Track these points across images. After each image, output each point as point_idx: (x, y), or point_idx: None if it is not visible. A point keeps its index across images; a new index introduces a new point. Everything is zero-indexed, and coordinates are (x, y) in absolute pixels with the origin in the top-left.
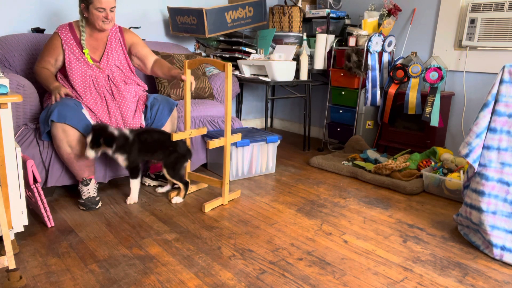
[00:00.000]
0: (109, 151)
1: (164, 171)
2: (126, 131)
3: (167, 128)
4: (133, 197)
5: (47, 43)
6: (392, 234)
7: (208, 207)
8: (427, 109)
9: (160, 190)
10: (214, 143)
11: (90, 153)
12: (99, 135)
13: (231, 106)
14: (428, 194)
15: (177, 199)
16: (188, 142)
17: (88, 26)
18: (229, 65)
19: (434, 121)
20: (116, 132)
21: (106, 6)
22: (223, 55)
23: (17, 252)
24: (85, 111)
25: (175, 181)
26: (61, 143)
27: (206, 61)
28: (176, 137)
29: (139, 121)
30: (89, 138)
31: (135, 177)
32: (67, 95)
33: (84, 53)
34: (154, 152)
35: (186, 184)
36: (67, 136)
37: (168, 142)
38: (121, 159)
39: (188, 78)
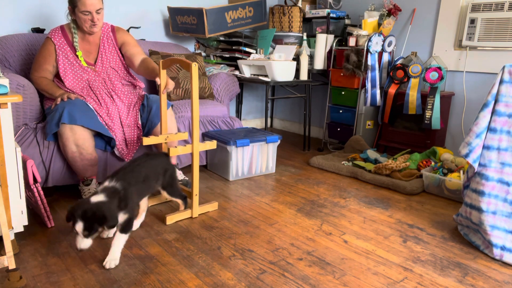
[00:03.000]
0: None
1: (164, 194)
2: (111, 183)
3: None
4: (115, 256)
5: (41, 50)
6: (392, 234)
7: (170, 219)
8: (427, 113)
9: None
10: (176, 151)
11: (86, 243)
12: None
13: (197, 110)
14: (428, 194)
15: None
16: (165, 148)
17: (79, 29)
18: (194, 65)
19: (436, 125)
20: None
21: (91, 9)
22: (223, 55)
23: (17, 252)
24: (92, 108)
25: (174, 199)
26: (67, 141)
27: (177, 61)
28: (147, 141)
29: (137, 122)
30: (79, 226)
31: (125, 231)
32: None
33: (77, 56)
34: (149, 187)
35: (184, 199)
36: (74, 135)
37: (159, 167)
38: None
39: (164, 79)
